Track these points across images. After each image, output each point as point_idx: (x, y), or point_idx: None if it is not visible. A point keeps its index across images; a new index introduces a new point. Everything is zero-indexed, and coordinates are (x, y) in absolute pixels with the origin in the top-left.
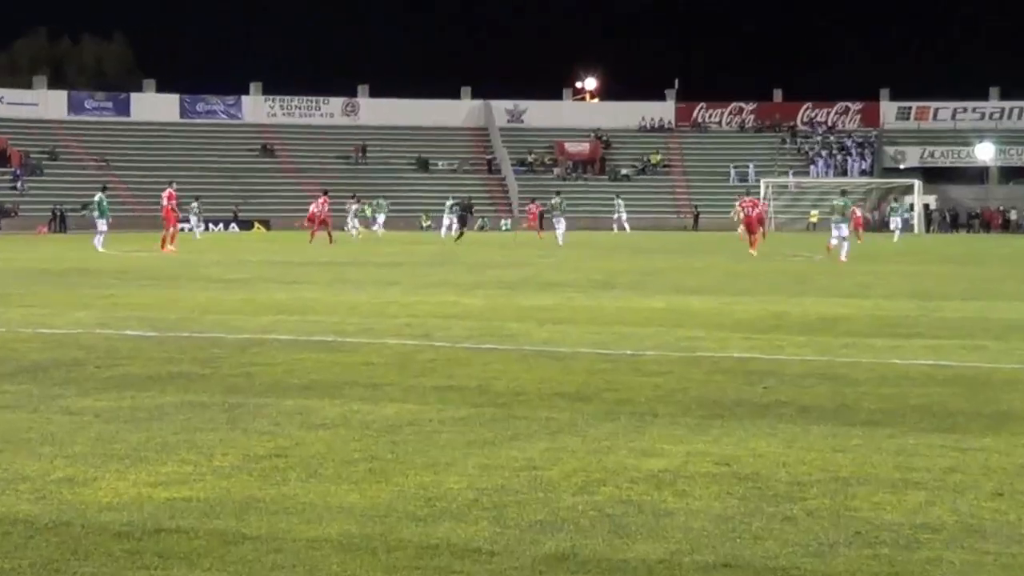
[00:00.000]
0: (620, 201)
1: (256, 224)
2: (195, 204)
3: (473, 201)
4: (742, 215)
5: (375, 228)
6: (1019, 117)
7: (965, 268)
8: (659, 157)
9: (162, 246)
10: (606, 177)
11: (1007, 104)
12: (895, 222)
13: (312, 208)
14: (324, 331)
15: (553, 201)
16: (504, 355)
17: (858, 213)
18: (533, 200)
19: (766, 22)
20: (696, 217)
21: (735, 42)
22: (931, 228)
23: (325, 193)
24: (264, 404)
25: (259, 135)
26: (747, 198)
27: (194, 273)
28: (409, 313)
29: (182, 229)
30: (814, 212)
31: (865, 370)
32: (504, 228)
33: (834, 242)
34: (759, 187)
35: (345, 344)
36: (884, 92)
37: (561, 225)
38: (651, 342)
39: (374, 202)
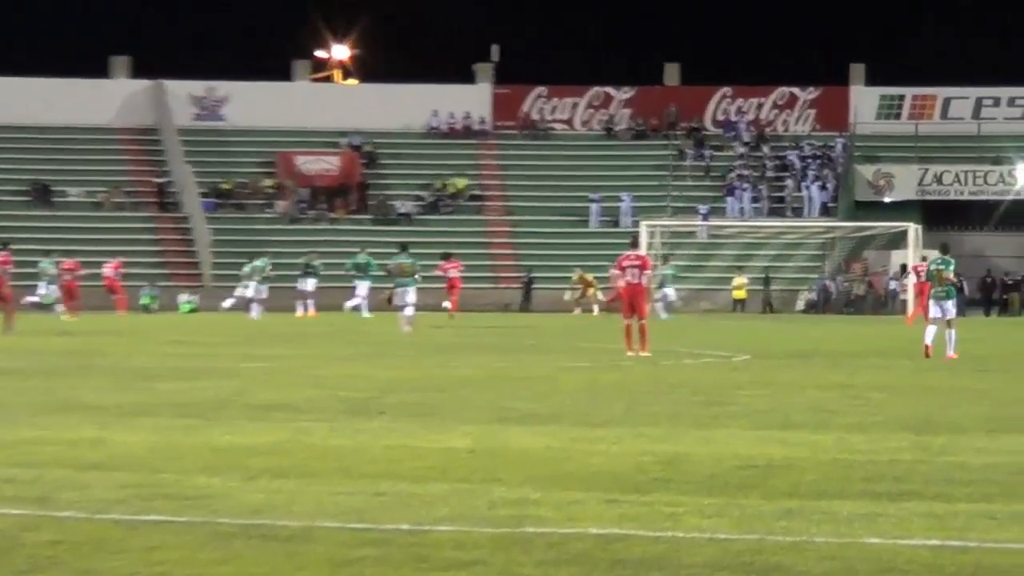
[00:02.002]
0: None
1: None
2: None
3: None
4: (622, 283)
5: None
6: None
7: (992, 379)
8: (465, 182)
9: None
10: (368, 218)
11: None
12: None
13: None
14: None
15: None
16: (183, 533)
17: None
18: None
19: None
20: (528, 286)
21: None
22: None
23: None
24: None
25: None
26: (631, 252)
27: None
28: (14, 460)
29: None
30: (739, 280)
31: (819, 558)
32: (187, 305)
33: (932, 334)
34: (640, 233)
35: None
36: (856, 71)
37: (308, 288)
38: (446, 510)
39: None
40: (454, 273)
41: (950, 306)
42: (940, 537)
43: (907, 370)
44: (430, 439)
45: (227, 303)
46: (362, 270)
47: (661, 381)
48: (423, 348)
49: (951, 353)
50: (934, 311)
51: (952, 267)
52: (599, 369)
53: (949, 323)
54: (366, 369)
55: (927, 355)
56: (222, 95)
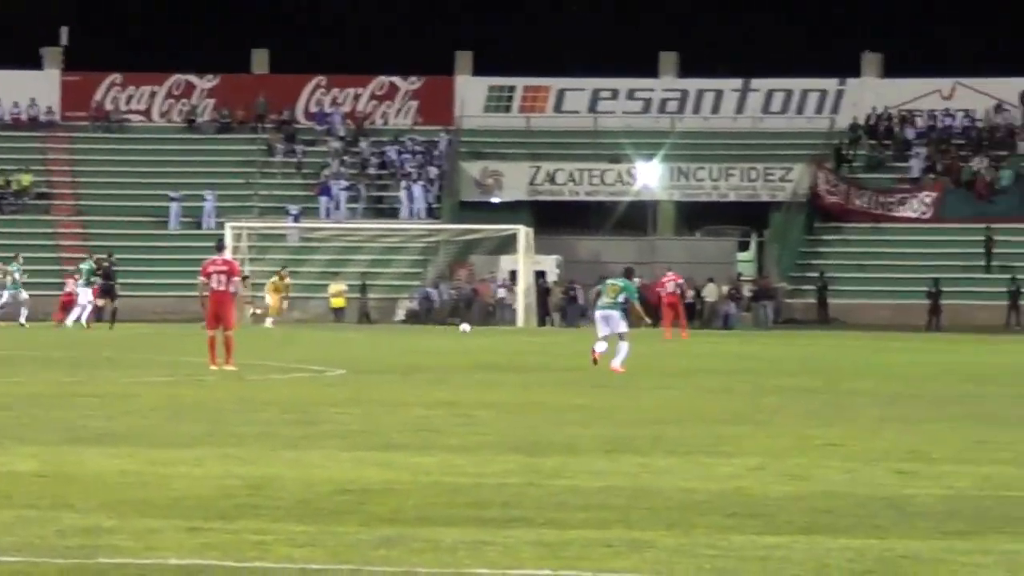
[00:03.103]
0: None
1: None
2: None
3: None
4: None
5: None
6: (711, 108)
7: (610, 396)
8: (30, 179)
9: None
10: None
11: (689, 84)
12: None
13: None
14: None
15: None
16: None
17: (668, 287)
18: None
19: None
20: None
21: None
22: (548, 316)
23: None
24: None
25: None
26: (217, 257)
27: None
28: None
29: None
30: (337, 287)
31: None
32: None
33: (602, 345)
34: (225, 234)
35: None
36: (461, 59)
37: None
38: (10, 539)
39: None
40: None
41: (619, 318)
42: (552, 566)
43: (517, 386)
44: None
45: None
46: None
47: (248, 398)
48: None
49: (617, 365)
50: (603, 329)
51: (634, 295)
52: (180, 384)
53: (621, 336)
54: None
55: (595, 362)
56: None
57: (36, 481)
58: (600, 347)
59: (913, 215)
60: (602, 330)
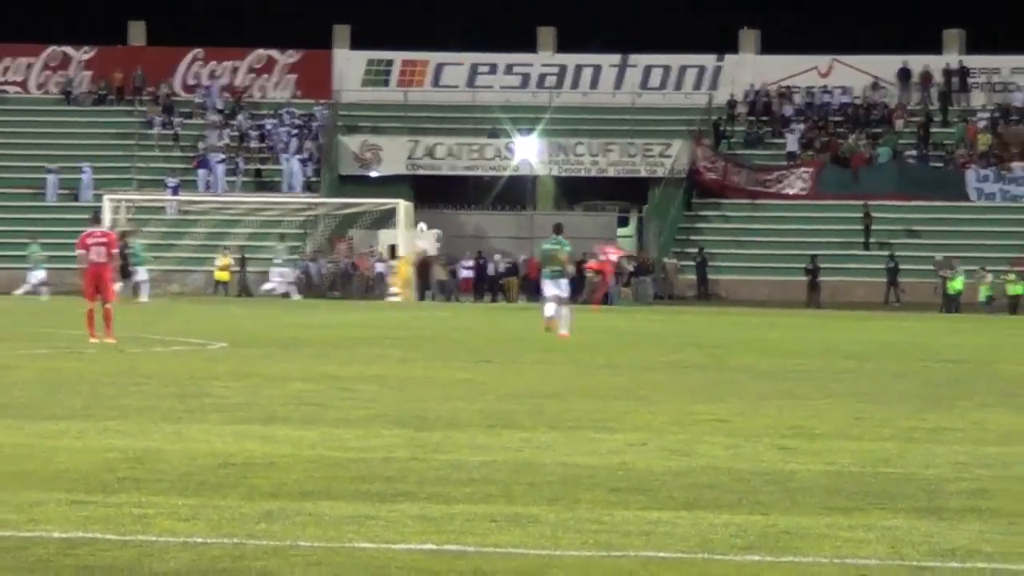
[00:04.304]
0: None
1: None
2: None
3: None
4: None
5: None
6: (589, 83)
7: (491, 370)
8: None
9: None
10: None
11: (567, 59)
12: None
13: None
14: None
15: None
16: None
17: (611, 255)
18: None
19: None
20: None
21: None
22: (428, 291)
23: None
24: None
25: None
26: (96, 229)
27: None
28: None
29: None
30: (224, 260)
31: (305, 564)
32: None
33: (550, 309)
34: (103, 207)
35: None
36: (340, 32)
37: None
38: None
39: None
40: None
41: (564, 284)
42: (436, 541)
43: (399, 361)
44: None
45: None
46: None
47: (129, 371)
48: None
49: (564, 331)
50: (550, 289)
51: (567, 249)
52: (59, 357)
53: (563, 302)
54: None
55: (548, 329)
56: None
57: None
58: (549, 310)
59: (791, 191)
60: (550, 294)
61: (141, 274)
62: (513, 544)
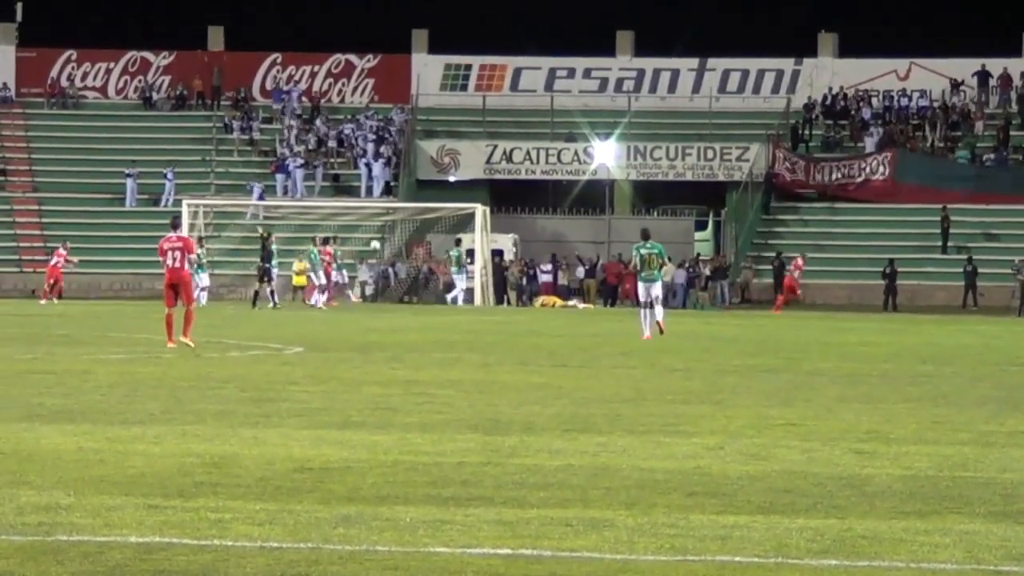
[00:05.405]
0: None
1: None
2: None
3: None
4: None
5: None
6: (667, 87)
7: (569, 375)
8: None
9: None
10: None
11: (645, 63)
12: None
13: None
14: None
15: None
16: None
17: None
18: None
19: None
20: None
21: None
22: (506, 294)
23: None
24: None
25: None
26: (172, 234)
27: None
28: None
29: None
30: (301, 265)
31: (380, 569)
32: None
33: (647, 328)
34: (181, 212)
35: None
36: (418, 36)
37: None
38: None
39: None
40: None
41: (659, 287)
42: (511, 546)
43: (475, 365)
44: None
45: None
46: None
47: (206, 375)
48: None
49: (648, 333)
50: (646, 293)
51: (661, 252)
52: (137, 362)
53: (658, 300)
54: None
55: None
56: None
57: None
58: (647, 330)
59: (874, 178)
60: (647, 298)
61: (203, 280)
62: (589, 548)
